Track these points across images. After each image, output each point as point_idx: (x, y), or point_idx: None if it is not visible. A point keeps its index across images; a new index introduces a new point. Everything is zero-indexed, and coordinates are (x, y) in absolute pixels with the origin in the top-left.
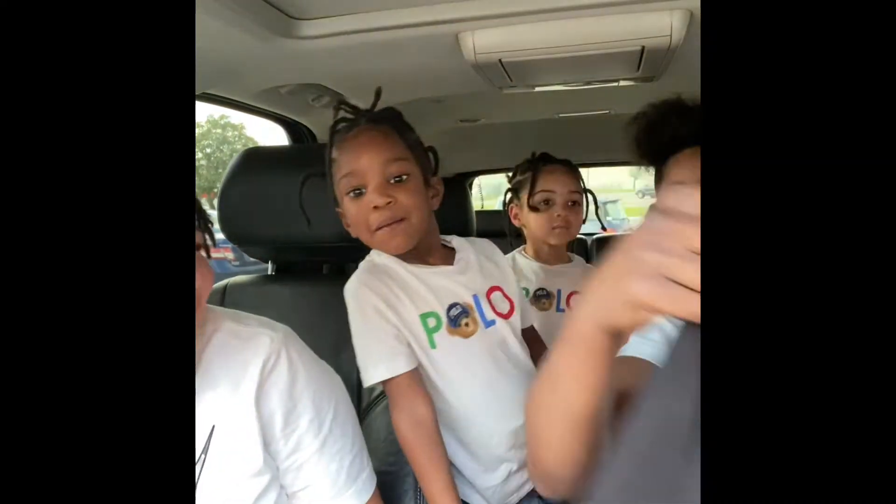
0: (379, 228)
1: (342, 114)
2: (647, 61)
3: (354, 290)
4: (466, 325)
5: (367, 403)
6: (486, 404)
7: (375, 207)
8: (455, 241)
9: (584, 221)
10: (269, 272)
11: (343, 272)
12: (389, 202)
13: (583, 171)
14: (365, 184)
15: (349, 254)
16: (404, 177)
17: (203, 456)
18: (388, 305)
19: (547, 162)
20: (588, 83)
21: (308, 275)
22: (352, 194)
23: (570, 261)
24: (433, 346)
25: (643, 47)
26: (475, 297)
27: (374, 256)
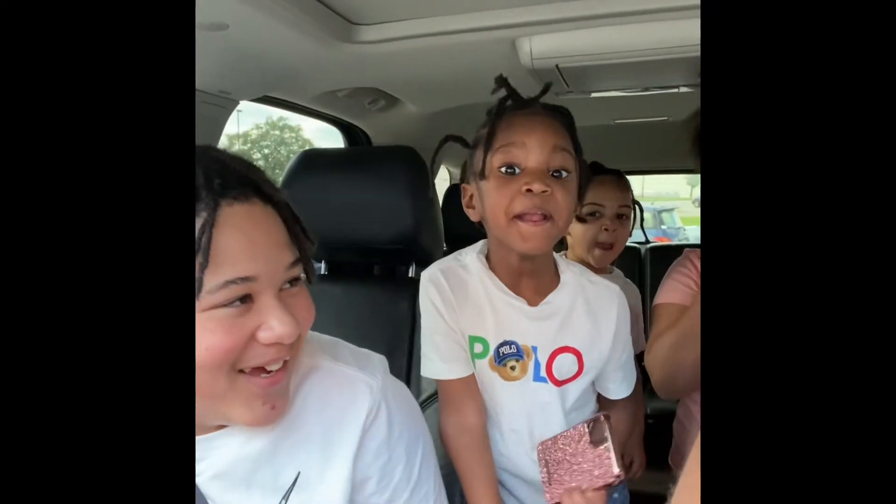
0: (521, 217)
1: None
2: None
3: (425, 282)
4: (512, 368)
5: (419, 402)
6: (499, 450)
7: (528, 190)
8: (567, 275)
9: (630, 234)
10: (322, 272)
11: (393, 274)
12: (545, 191)
13: (638, 178)
14: (523, 163)
15: (400, 256)
16: (564, 173)
17: (283, 502)
18: (449, 309)
19: (597, 172)
20: (646, 89)
21: (359, 275)
22: (503, 169)
23: (610, 272)
24: (472, 369)
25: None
26: (535, 348)
27: (465, 259)
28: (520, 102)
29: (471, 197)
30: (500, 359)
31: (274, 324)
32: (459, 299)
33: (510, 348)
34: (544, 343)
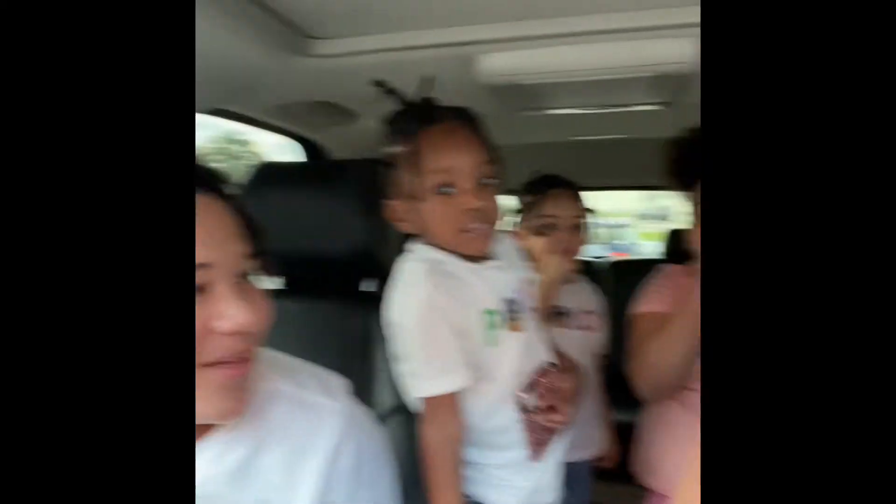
0: (468, 230)
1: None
2: (663, 87)
3: (425, 292)
4: (520, 318)
5: (379, 416)
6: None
7: (470, 209)
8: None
9: (586, 241)
10: (280, 287)
11: (349, 289)
12: (483, 205)
13: (592, 194)
14: (457, 182)
15: (358, 270)
16: (493, 180)
17: None
18: (457, 305)
19: (551, 185)
20: (603, 107)
21: (317, 291)
22: (441, 190)
23: (574, 282)
24: (494, 343)
25: (658, 73)
26: (518, 290)
27: (426, 253)
28: (424, 115)
29: (399, 212)
30: (511, 316)
31: (231, 312)
32: (460, 288)
33: (511, 303)
34: (520, 281)
